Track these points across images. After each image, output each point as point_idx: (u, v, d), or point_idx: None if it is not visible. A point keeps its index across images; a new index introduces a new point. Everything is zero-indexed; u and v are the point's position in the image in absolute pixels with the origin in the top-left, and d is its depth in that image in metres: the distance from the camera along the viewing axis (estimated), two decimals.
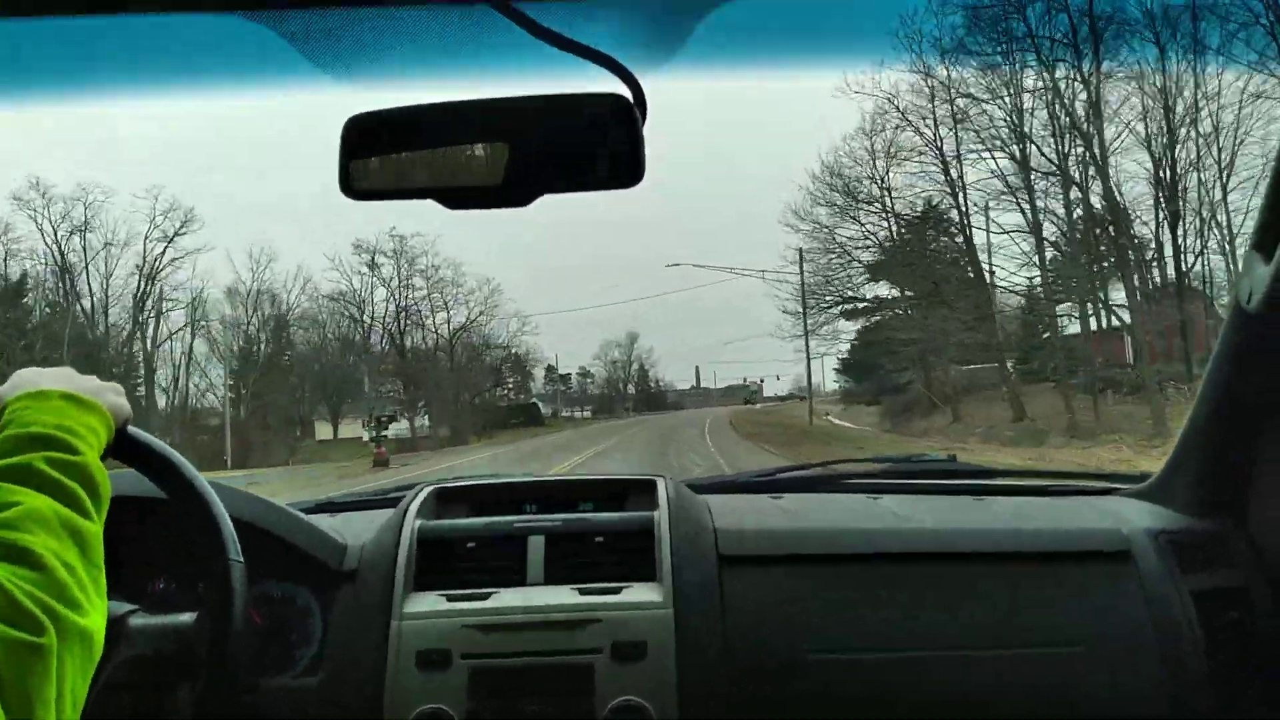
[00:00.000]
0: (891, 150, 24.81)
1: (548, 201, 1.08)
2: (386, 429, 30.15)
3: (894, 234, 26.93)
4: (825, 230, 27.51)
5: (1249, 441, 1.56)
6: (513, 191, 1.07)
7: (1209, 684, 1.48)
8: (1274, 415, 1.50)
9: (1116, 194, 20.11)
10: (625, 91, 1.03)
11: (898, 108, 22.91)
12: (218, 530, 1.18)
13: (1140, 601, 1.53)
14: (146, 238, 29.80)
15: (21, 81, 1.20)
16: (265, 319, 35.08)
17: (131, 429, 1.11)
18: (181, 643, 1.19)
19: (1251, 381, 1.50)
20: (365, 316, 37.30)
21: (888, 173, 25.61)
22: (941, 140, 23.98)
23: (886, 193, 25.86)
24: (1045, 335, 24.75)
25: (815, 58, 1.25)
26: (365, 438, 32.12)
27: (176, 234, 29.98)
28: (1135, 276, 21.47)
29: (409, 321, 38.20)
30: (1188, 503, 1.69)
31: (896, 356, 26.92)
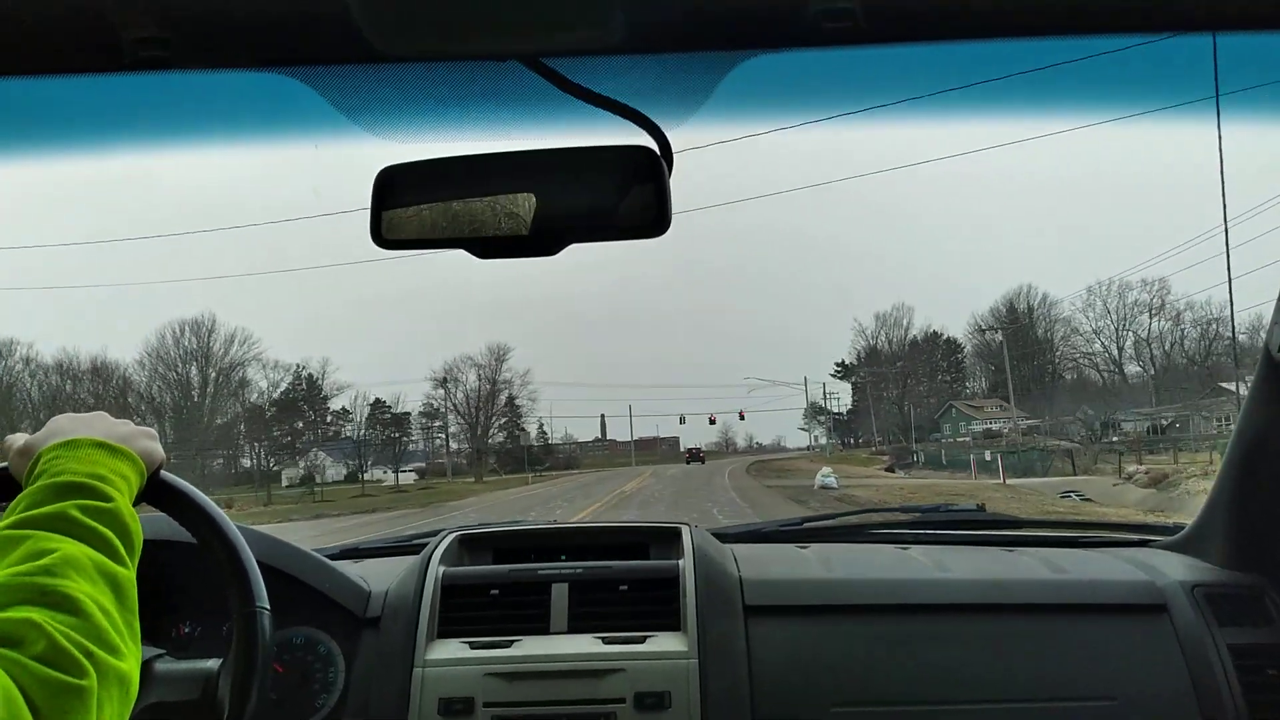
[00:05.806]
0: None
1: None
2: None
3: None
4: None
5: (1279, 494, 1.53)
6: (540, 241, 1.09)
7: None
8: None
9: None
10: (652, 144, 1.05)
11: None
12: (245, 577, 1.18)
13: (1176, 655, 1.50)
14: None
15: (45, 136, 1.22)
16: None
17: (163, 474, 1.12)
18: (205, 690, 1.18)
19: None
20: None
21: None
22: None
23: None
24: None
25: (845, 111, 1.25)
26: None
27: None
28: None
29: None
30: (1222, 555, 1.65)
31: None
